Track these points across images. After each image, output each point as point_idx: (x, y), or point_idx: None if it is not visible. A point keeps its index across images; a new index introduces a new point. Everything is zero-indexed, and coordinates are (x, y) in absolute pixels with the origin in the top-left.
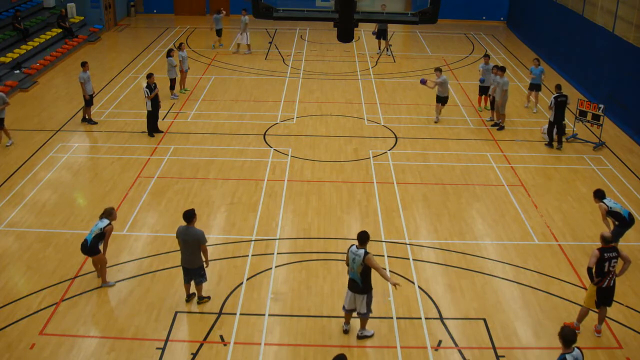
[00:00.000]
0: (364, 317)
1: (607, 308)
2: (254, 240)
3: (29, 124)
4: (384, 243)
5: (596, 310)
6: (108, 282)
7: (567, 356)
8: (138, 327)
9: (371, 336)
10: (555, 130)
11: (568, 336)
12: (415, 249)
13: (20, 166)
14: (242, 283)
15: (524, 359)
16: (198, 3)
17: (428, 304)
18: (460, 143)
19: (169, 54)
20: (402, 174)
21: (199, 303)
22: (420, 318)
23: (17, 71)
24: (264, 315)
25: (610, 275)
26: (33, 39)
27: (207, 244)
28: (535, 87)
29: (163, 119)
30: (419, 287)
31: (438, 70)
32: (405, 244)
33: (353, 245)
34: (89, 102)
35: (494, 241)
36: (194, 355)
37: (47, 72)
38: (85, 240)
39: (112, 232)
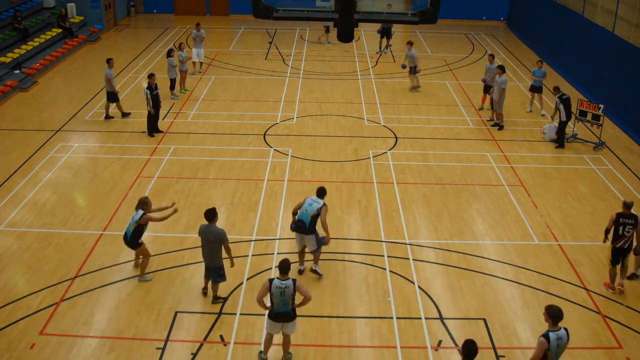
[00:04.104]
0: (314, 253)
1: (627, 266)
2: (254, 240)
3: (29, 124)
4: (384, 243)
5: (611, 266)
6: (145, 276)
7: (551, 334)
8: (138, 327)
9: (321, 275)
10: (557, 129)
11: (555, 313)
12: (415, 249)
13: (20, 166)
14: (242, 283)
15: (524, 359)
16: (198, 3)
17: (428, 304)
18: (460, 143)
19: (169, 54)
20: (402, 174)
21: (213, 302)
22: (420, 318)
23: (17, 71)
24: (264, 315)
25: (625, 240)
26: (33, 39)
27: (229, 242)
28: (536, 89)
29: (163, 119)
30: (419, 287)
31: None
32: (405, 244)
33: (312, 196)
34: (114, 97)
35: (494, 241)
36: (194, 355)
37: (47, 72)
38: (125, 233)
39: (151, 220)
